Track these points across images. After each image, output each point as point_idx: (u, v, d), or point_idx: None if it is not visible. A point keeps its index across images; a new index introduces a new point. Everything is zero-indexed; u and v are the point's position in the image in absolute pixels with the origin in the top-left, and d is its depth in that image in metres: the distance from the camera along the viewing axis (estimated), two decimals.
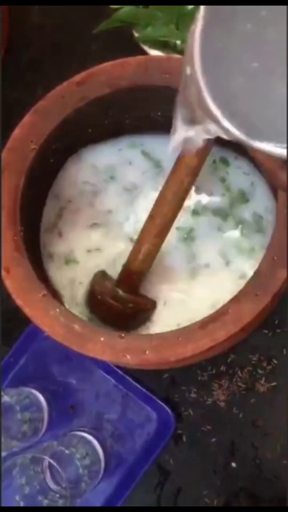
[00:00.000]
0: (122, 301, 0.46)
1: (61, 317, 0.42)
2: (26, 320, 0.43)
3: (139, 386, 0.56)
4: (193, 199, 0.49)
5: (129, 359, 0.41)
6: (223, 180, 0.50)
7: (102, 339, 0.41)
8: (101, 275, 0.48)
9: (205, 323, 0.41)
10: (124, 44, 0.59)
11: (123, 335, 0.42)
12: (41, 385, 0.58)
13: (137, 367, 0.44)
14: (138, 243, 0.46)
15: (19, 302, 0.42)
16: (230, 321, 0.41)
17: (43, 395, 0.57)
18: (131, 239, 0.50)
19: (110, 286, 0.46)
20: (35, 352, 0.59)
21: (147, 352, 0.41)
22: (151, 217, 0.45)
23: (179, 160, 0.42)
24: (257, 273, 0.42)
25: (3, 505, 0.47)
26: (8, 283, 0.43)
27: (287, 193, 0.39)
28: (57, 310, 0.42)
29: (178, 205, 0.43)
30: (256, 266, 0.42)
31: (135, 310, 0.47)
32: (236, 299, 0.41)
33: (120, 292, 0.46)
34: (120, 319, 0.47)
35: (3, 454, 0.48)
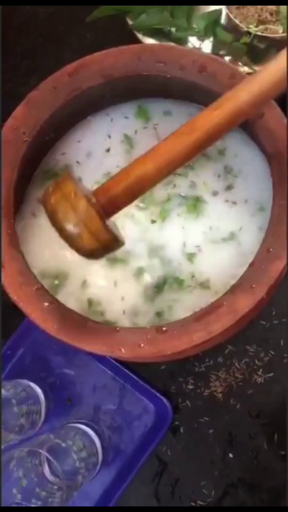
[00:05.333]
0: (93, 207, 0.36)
1: (55, 311, 0.42)
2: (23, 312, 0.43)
3: (136, 378, 0.56)
4: None
5: (123, 353, 0.40)
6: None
7: (97, 332, 0.41)
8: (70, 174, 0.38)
9: (200, 316, 0.41)
10: (119, 32, 0.58)
11: (118, 328, 0.41)
12: (38, 377, 0.58)
13: (132, 360, 0.44)
14: (137, 162, 0.37)
15: (13, 296, 0.42)
16: (226, 313, 0.40)
17: (40, 387, 0.57)
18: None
19: (82, 187, 0.37)
20: (32, 344, 0.59)
21: (142, 345, 0.40)
22: (158, 147, 0.37)
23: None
24: (252, 265, 0.41)
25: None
26: (3, 278, 0.42)
27: None
28: (51, 303, 0.42)
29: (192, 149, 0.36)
30: None
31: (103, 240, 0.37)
32: (231, 292, 0.41)
33: (93, 199, 0.36)
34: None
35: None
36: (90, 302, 0.47)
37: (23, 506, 0.46)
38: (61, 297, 0.45)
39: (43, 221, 0.47)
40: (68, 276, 0.47)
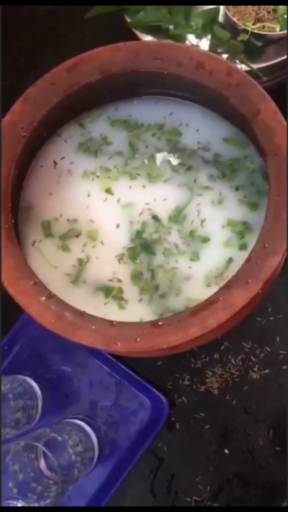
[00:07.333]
0: None
1: (52, 305, 0.42)
2: (21, 308, 0.43)
3: (132, 373, 0.56)
4: None
5: (120, 347, 0.40)
6: None
7: (93, 327, 0.41)
8: None
9: (196, 311, 0.41)
10: (117, 29, 0.58)
11: (114, 323, 0.42)
12: (35, 373, 0.58)
13: (129, 354, 0.44)
14: None
15: (10, 290, 0.42)
16: (221, 308, 0.41)
17: (37, 383, 0.57)
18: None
19: None
20: (29, 340, 0.59)
21: (138, 339, 0.41)
22: None
23: None
24: (248, 261, 0.41)
25: None
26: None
27: None
28: (48, 298, 0.42)
29: None
30: None
31: None
32: (227, 287, 0.41)
33: None
34: None
35: None
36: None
37: (22, 506, 0.46)
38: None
39: None
40: None
